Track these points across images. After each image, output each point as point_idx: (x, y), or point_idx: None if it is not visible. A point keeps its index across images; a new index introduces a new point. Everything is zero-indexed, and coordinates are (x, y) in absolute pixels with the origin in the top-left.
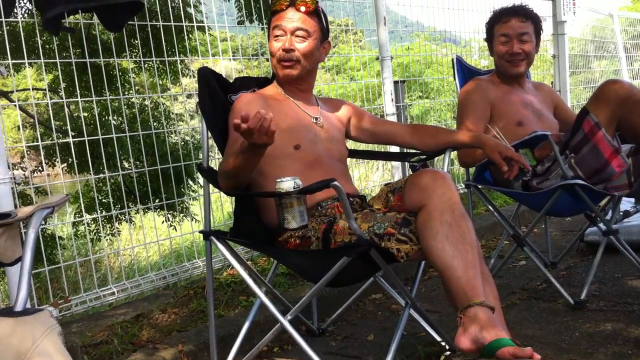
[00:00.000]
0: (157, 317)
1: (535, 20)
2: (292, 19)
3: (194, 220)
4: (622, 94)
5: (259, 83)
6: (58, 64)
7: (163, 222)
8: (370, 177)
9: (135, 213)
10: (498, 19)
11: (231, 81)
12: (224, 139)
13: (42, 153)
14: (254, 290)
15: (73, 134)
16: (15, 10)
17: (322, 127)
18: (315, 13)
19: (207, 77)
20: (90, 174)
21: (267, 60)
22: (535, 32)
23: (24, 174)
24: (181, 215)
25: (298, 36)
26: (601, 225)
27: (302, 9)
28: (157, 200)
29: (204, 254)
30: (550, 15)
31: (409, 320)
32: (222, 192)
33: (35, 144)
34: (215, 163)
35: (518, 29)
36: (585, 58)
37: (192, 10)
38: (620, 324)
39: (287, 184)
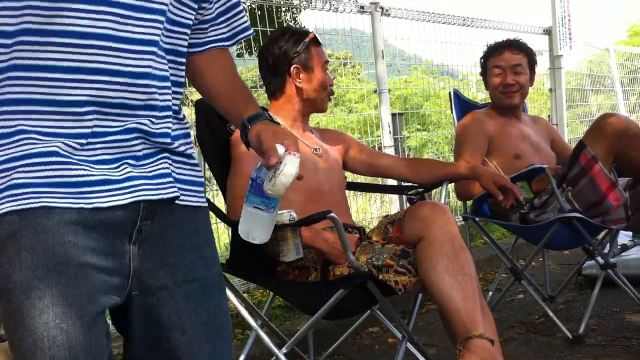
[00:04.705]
0: None
1: (528, 53)
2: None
3: None
4: (619, 127)
5: None
6: None
7: None
8: (369, 210)
9: None
10: (492, 52)
11: None
12: (222, 170)
13: None
14: (249, 323)
15: None
16: None
17: (321, 156)
18: None
19: (205, 109)
20: None
21: (265, 92)
22: (529, 64)
23: None
24: None
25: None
26: (599, 258)
27: None
28: None
29: None
30: (546, 49)
31: (406, 354)
32: (218, 224)
33: None
34: (213, 195)
35: (511, 60)
36: (582, 92)
37: None
38: (618, 359)
39: (282, 217)
